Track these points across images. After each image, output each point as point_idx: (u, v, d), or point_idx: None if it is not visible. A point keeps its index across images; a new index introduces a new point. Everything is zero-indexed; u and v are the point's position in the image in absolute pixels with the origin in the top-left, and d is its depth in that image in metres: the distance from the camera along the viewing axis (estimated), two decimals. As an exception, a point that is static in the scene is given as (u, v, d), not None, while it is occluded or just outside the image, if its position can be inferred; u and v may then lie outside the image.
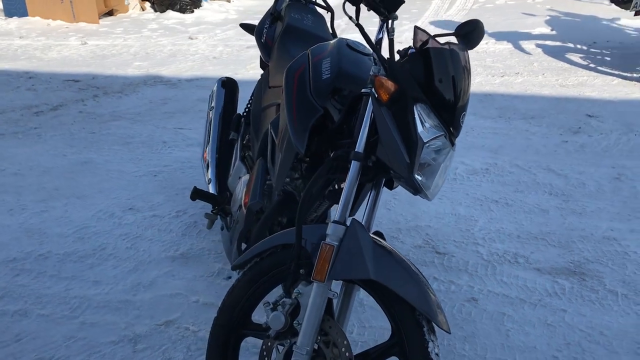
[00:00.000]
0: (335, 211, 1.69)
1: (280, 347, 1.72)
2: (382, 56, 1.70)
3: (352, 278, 1.63)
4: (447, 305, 2.50)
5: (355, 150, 1.68)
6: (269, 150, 2.01)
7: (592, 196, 3.51)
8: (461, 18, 8.23)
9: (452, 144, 1.69)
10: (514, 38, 7.67)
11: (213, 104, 2.95)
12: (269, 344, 1.73)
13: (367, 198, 1.77)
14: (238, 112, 3.02)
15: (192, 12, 9.86)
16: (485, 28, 2.04)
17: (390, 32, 1.72)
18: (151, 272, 2.71)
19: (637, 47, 7.07)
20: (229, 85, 3.03)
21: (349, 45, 2.03)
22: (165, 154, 4.12)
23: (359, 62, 1.98)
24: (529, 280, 2.69)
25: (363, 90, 1.79)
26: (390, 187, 1.89)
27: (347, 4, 1.71)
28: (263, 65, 2.98)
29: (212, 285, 2.62)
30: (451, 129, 1.66)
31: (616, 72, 6.11)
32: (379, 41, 1.75)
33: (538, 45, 7.34)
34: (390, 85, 1.60)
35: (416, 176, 1.62)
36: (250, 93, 2.84)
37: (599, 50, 7.02)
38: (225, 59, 6.92)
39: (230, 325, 1.83)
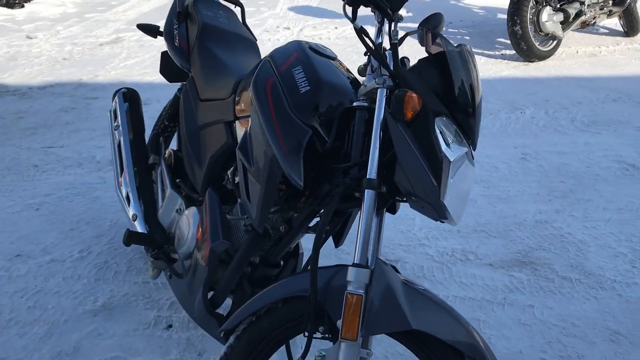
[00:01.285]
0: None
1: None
2: (387, 65, 1.45)
3: (390, 331, 1.38)
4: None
5: (368, 177, 1.42)
6: (241, 180, 1.67)
7: (508, 179, 3.55)
8: (317, 3, 8.13)
9: (472, 157, 1.49)
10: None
11: (117, 123, 2.48)
12: None
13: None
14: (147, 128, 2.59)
15: (23, 6, 8.68)
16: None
17: (393, 36, 1.47)
18: (71, 335, 2.21)
19: (489, 25, 7.44)
20: (132, 98, 2.57)
21: (312, 48, 1.74)
22: (40, 180, 3.48)
23: (332, 69, 1.70)
24: (487, 278, 2.61)
25: (356, 103, 1.53)
26: (394, 212, 1.65)
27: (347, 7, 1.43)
28: (167, 72, 2.56)
29: (152, 340, 2.20)
30: (470, 141, 1.46)
31: (480, 51, 6.36)
32: (379, 46, 1.49)
33: (400, 29, 7.44)
34: (417, 101, 1.36)
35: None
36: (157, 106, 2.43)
37: (456, 30, 7.28)
38: (77, 59, 6.14)
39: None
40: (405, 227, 2.99)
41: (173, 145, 2.50)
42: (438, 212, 1.42)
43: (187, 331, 2.24)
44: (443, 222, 1.49)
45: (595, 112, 4.63)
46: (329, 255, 2.55)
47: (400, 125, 1.39)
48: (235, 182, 1.88)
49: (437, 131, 1.39)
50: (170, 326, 2.27)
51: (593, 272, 2.66)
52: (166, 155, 2.31)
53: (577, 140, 4.10)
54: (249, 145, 1.64)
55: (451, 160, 1.38)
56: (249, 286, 1.82)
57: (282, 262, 1.93)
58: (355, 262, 1.40)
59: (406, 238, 2.90)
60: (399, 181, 1.41)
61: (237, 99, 1.88)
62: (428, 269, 2.66)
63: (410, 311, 1.36)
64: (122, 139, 2.42)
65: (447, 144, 1.39)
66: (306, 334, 1.42)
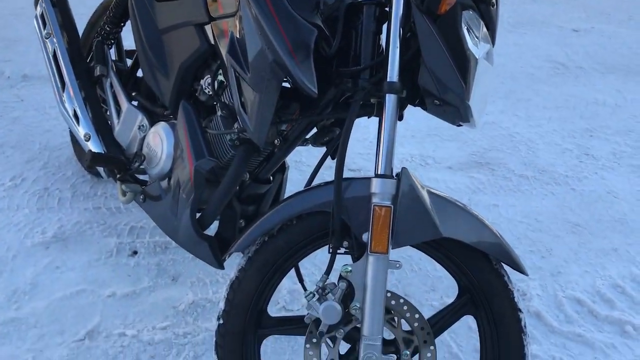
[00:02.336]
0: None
1: (330, 341, 1.36)
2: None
3: (421, 241, 1.32)
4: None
5: (389, 79, 1.30)
6: (233, 89, 1.48)
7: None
8: None
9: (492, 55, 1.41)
10: None
11: (48, 30, 2.14)
12: (314, 340, 1.35)
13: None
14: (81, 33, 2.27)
15: None
16: None
17: None
18: (25, 271, 1.98)
19: None
20: (60, 2, 2.23)
21: None
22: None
23: None
24: (449, 181, 2.62)
25: None
26: (400, 118, 1.55)
27: None
28: None
29: (118, 269, 2.02)
30: (491, 35, 1.38)
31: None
32: None
33: None
34: (454, -10, 1.23)
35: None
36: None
37: None
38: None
39: (245, 329, 1.39)
40: (361, 135, 2.92)
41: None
42: (462, 115, 1.33)
43: (155, 256, 2.09)
44: (461, 126, 1.41)
45: (517, 12, 4.69)
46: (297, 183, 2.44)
47: (428, 20, 1.27)
48: (210, 93, 1.69)
49: (464, 26, 1.28)
50: (136, 252, 2.10)
51: (546, 168, 2.75)
52: (115, 65, 2.04)
53: (506, 42, 4.15)
54: (241, 48, 1.45)
55: (478, 58, 1.29)
56: (239, 204, 1.69)
57: (271, 178, 1.80)
58: (379, 172, 1.30)
59: (364, 147, 2.83)
60: (423, 83, 1.30)
61: (207, -5, 1.65)
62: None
63: (438, 219, 1.30)
64: (57, 48, 2.10)
65: (473, 41, 1.29)
66: (329, 250, 1.33)
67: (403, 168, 1.33)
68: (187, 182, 1.62)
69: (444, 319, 1.40)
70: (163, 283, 1.98)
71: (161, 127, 1.76)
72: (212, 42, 1.64)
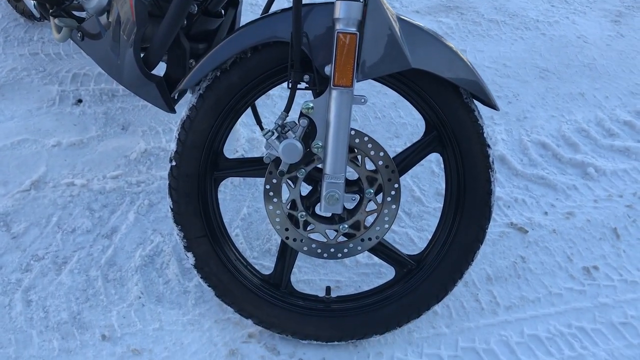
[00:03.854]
0: None
1: (290, 182, 1.29)
2: None
3: (389, 72, 1.20)
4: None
5: None
6: None
7: None
8: None
9: None
10: None
11: None
12: (274, 180, 1.28)
13: None
14: None
15: None
16: None
17: None
18: (-42, 122, 1.83)
19: None
20: None
21: None
22: None
23: None
24: (416, 25, 2.47)
25: None
26: None
27: None
28: None
29: (63, 117, 1.88)
30: None
31: None
32: None
33: None
34: None
35: None
36: None
37: None
38: None
39: (199, 171, 1.30)
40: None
41: None
42: None
43: (102, 104, 1.94)
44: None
45: None
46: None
47: None
48: None
49: None
50: (80, 101, 1.94)
51: (516, 13, 2.61)
52: None
53: None
54: None
55: None
56: (187, 41, 1.53)
57: (223, 12, 1.62)
58: (344, -7, 1.16)
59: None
60: None
61: None
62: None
63: (408, 49, 1.19)
64: None
65: None
66: (289, 85, 1.21)
67: (370, -10, 1.18)
68: (129, 17, 1.44)
69: (409, 158, 1.33)
70: (112, 132, 1.86)
71: (93, -47, 1.54)
72: None
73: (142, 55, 1.49)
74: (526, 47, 2.42)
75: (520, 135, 2.01)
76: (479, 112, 1.28)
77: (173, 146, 1.29)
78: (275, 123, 1.23)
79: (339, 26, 1.15)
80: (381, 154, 1.26)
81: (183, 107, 1.30)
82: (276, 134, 1.22)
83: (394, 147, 1.91)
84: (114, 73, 1.57)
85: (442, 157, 1.33)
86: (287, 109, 1.23)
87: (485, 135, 1.28)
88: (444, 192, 1.36)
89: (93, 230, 1.56)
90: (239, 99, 1.27)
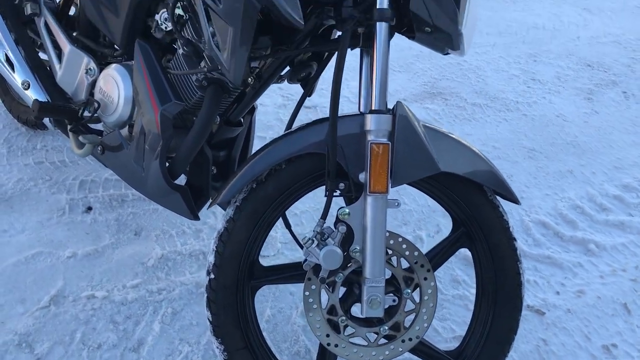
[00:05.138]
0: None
1: (328, 287, 1.31)
2: None
3: (421, 177, 1.27)
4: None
5: (379, 7, 1.21)
6: (203, 23, 1.34)
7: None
8: None
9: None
10: None
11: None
12: (313, 287, 1.30)
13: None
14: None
15: None
16: None
17: None
18: (-32, 238, 1.81)
19: None
20: None
21: None
22: None
23: None
24: (406, 113, 2.59)
25: None
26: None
27: None
28: None
29: (74, 227, 1.88)
30: None
31: None
32: None
33: None
34: None
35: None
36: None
37: None
38: None
39: (238, 281, 1.32)
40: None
41: None
42: (454, 43, 1.27)
43: (113, 210, 1.95)
44: (448, 54, 1.36)
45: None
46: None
47: None
48: (167, 29, 1.54)
49: (456, -55, 1.20)
50: (90, 208, 1.95)
51: (497, 95, 2.76)
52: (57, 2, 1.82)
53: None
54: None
55: (470, -18, 1.22)
56: (210, 150, 1.57)
57: (242, 121, 1.68)
58: (373, 108, 1.23)
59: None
60: (415, 9, 1.22)
61: None
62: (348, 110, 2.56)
63: (436, 154, 1.26)
64: (-27, -15, 1.85)
65: (464, -38, 1.22)
66: (326, 193, 1.26)
67: (398, 102, 1.26)
68: (153, 129, 1.49)
69: (439, 255, 1.38)
70: (126, 239, 1.86)
71: (115, 70, 1.59)
72: (166, -29, 1.48)
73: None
74: (511, 128, 2.55)
75: (521, 216, 2.09)
76: (502, 208, 1.35)
77: (210, 259, 1.30)
78: (313, 230, 1.26)
79: (370, 137, 1.22)
80: (416, 253, 1.31)
81: (205, 214, 1.32)
82: (316, 242, 1.26)
83: (405, 234, 1.96)
84: (135, 184, 1.59)
85: (471, 252, 1.38)
86: (324, 216, 1.27)
87: (511, 229, 1.34)
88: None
89: (119, 344, 1.53)
90: (274, 208, 1.31)
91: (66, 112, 1.64)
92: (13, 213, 1.90)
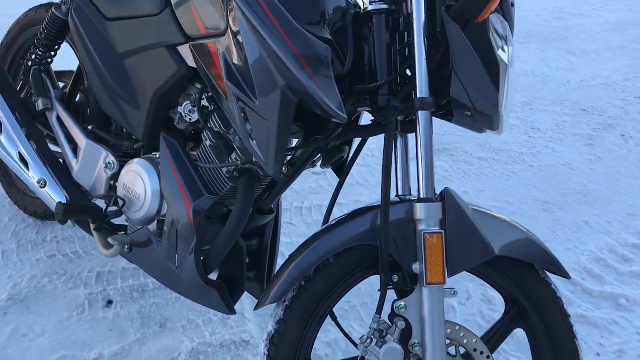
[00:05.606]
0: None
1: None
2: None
3: (477, 264, 1.24)
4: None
5: (420, 95, 1.20)
6: (239, 117, 1.31)
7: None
8: None
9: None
10: None
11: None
12: (373, 385, 1.25)
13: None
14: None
15: None
16: None
17: None
18: (-15, 346, 1.71)
19: None
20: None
21: None
22: None
23: None
24: (413, 174, 2.58)
25: (373, 6, 1.26)
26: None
27: None
28: None
29: (97, 324, 1.79)
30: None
31: None
32: None
33: None
34: (496, -4, 1.13)
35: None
36: None
37: None
38: None
39: (292, 387, 1.26)
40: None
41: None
42: (494, 124, 1.27)
43: (134, 302, 1.88)
44: (484, 132, 1.35)
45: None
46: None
47: (460, 27, 1.18)
48: (191, 121, 1.52)
49: (492, 30, 1.21)
50: (111, 302, 1.87)
51: (501, 148, 2.78)
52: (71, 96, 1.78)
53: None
54: (242, 73, 1.29)
55: (507, 62, 1.22)
56: (243, 240, 1.53)
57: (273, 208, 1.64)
58: (422, 196, 1.21)
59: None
60: (455, 95, 1.22)
61: (179, 12, 1.46)
62: (360, 174, 2.55)
63: (488, 237, 1.24)
64: (-18, 82, 1.81)
65: (500, 45, 1.22)
66: (381, 287, 1.22)
67: (446, 188, 1.25)
68: (185, 225, 1.44)
69: (495, 337, 1.34)
70: (152, 332, 1.78)
71: (139, 165, 1.55)
72: (192, 64, 1.46)
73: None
74: (520, 181, 2.56)
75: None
76: (555, 285, 1.32)
77: (261, 366, 1.25)
78: (370, 328, 1.22)
79: (422, 227, 1.20)
80: (474, 340, 1.27)
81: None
82: (374, 340, 1.21)
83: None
84: (169, 282, 1.53)
85: (526, 332, 1.34)
86: (379, 311, 1.23)
87: (565, 307, 1.32)
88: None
89: None
90: (324, 305, 1.27)
91: (90, 212, 1.58)
92: (30, 315, 1.81)
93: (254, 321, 1.84)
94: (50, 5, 1.98)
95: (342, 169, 1.56)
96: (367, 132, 1.40)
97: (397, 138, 1.42)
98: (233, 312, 1.46)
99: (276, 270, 1.53)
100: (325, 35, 1.24)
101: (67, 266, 1.99)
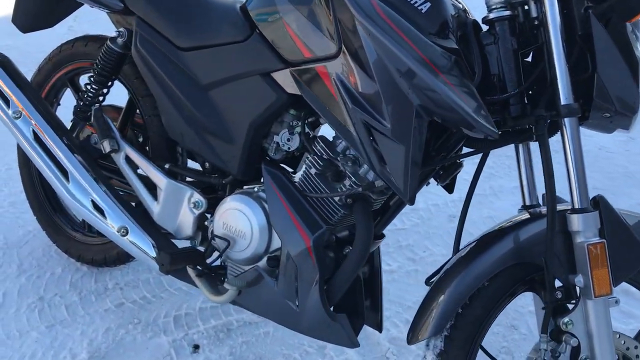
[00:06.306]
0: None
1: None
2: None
3: (637, 271, 1.21)
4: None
5: (564, 102, 1.16)
6: (365, 143, 1.23)
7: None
8: None
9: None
10: None
11: (15, 107, 1.69)
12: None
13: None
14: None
15: None
16: None
17: None
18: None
19: None
20: (8, 66, 1.79)
21: None
22: None
23: None
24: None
25: (494, 14, 1.21)
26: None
27: None
28: (24, 18, 1.87)
29: (188, 372, 1.69)
30: None
31: None
32: None
33: None
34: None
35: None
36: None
37: None
38: None
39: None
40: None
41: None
42: (630, 123, 1.24)
43: (222, 344, 1.77)
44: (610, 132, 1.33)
45: None
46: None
47: (599, 27, 1.14)
48: (291, 149, 1.44)
49: (630, 29, 1.18)
50: (197, 347, 1.76)
51: (536, 138, 2.77)
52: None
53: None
54: (367, 98, 1.21)
55: (643, 60, 1.19)
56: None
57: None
58: (577, 206, 1.18)
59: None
60: (599, 98, 1.18)
61: (272, 37, 1.37)
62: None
63: (642, 242, 1.21)
64: (37, 127, 1.67)
65: (633, 38, 1.20)
66: (545, 306, 1.18)
67: (599, 195, 1.21)
68: (305, 260, 1.36)
69: (649, 341, 1.32)
70: (250, 374, 1.69)
71: (239, 201, 1.46)
72: (291, 91, 1.38)
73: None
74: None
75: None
76: None
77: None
78: (541, 350, 1.17)
79: (581, 238, 1.17)
80: (636, 347, 1.24)
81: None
82: (548, 363, 1.17)
83: (517, 342, 1.85)
84: (288, 321, 1.44)
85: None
86: (545, 330, 1.18)
87: None
88: None
89: None
90: (483, 330, 1.22)
91: (193, 258, 1.48)
92: (118, 369, 1.69)
93: (350, 349, 1.76)
94: (90, 38, 1.87)
95: (452, 185, 1.50)
96: (499, 144, 1.34)
97: (517, 148, 1.38)
98: (357, 344, 1.39)
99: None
100: (452, 46, 1.19)
101: (140, 313, 1.87)
